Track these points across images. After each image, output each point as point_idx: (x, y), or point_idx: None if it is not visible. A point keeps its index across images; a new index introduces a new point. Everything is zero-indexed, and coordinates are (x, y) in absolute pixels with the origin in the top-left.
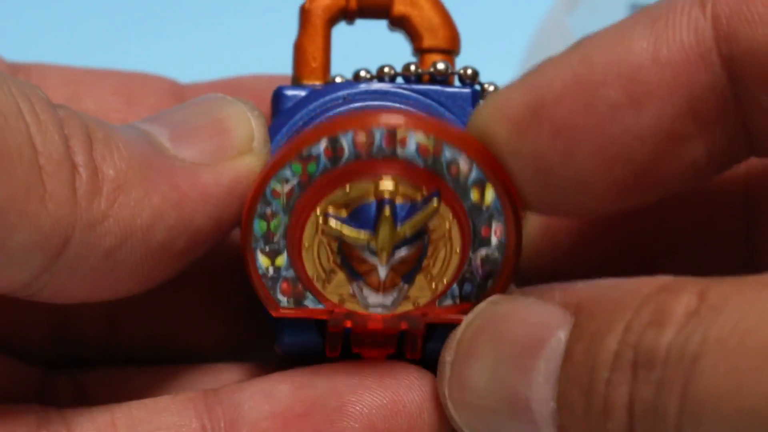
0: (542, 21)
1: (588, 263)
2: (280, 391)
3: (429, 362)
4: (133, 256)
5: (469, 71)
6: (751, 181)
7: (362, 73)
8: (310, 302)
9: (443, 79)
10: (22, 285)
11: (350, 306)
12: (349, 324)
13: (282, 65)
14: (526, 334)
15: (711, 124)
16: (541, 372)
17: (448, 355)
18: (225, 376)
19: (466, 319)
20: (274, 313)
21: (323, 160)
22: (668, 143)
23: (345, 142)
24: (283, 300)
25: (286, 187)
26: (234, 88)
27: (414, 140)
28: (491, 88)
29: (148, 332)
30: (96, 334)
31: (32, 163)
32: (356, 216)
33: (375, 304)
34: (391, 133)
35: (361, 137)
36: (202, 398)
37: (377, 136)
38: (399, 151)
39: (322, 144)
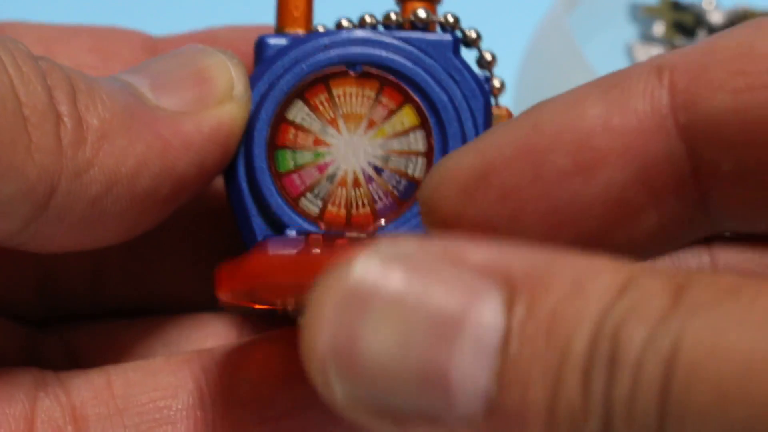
0: (542, 21)
1: None
2: (275, 350)
3: None
4: (119, 204)
5: (450, 18)
6: None
7: (344, 23)
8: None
9: (424, 26)
10: (10, 234)
11: None
12: None
13: (257, 17)
14: (446, 299)
15: (665, 194)
16: (469, 345)
17: (318, 309)
18: (212, 326)
19: (353, 267)
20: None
21: None
22: (618, 212)
23: None
24: None
25: None
26: (208, 39)
27: None
28: (473, 34)
29: (133, 284)
30: (81, 288)
31: (17, 114)
32: None
33: None
34: None
35: None
36: (197, 358)
37: None
38: None
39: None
